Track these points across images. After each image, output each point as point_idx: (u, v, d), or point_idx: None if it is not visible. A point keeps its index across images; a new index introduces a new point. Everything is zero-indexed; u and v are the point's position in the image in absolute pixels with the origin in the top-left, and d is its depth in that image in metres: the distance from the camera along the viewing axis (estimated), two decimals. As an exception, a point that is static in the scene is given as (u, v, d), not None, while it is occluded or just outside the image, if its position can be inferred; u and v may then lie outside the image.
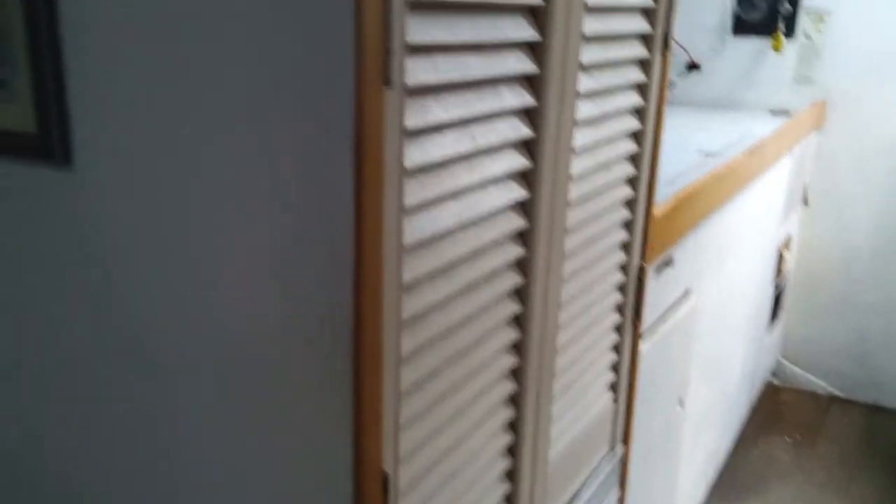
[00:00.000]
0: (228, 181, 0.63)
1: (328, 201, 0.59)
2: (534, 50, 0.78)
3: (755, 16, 2.57)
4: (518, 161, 0.80)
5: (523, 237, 0.84)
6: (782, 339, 2.80)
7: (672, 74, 2.77)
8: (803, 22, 2.53)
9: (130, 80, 0.64)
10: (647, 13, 1.03)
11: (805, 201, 2.63)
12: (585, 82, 0.90)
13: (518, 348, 0.87)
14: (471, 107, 0.70)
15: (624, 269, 1.13)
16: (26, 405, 0.81)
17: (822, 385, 2.80)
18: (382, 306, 0.63)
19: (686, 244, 1.46)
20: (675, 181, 1.56)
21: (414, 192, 0.64)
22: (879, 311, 2.64)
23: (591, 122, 0.94)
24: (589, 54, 0.89)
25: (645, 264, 1.17)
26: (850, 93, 2.52)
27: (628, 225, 1.12)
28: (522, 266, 0.85)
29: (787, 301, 2.72)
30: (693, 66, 2.69)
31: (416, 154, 0.64)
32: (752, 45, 2.61)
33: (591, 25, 0.88)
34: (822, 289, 2.71)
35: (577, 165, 0.92)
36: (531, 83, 0.79)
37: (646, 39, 1.04)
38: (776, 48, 2.55)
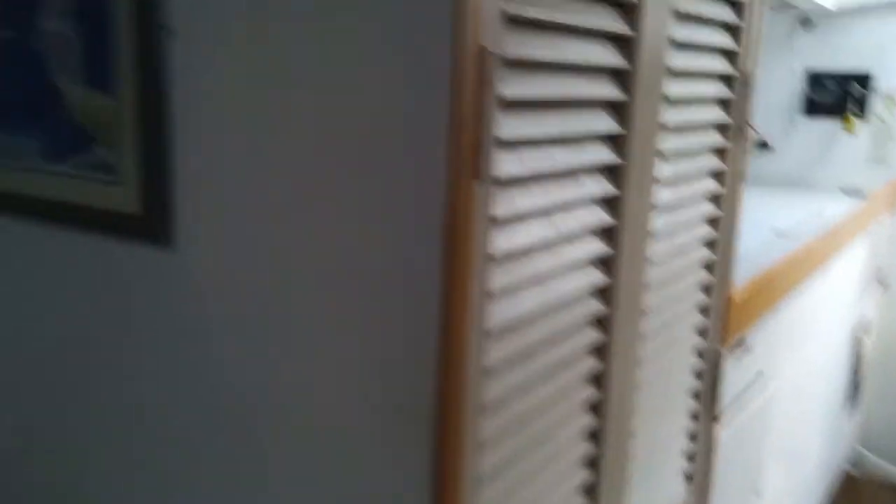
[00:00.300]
0: (323, 266, 0.65)
1: (417, 289, 0.61)
2: (615, 141, 0.80)
3: (826, 97, 2.56)
4: (597, 247, 0.81)
5: (601, 322, 0.84)
6: (861, 428, 2.68)
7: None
8: (876, 104, 2.51)
9: (235, 168, 0.68)
10: (725, 104, 1.04)
11: (883, 284, 2.56)
12: (664, 170, 0.91)
13: (594, 435, 0.86)
14: (553, 196, 0.72)
15: (700, 354, 1.12)
16: (125, 477, 0.83)
17: (903, 477, 2.66)
18: (465, 391, 0.63)
19: (762, 327, 1.43)
20: (748, 260, 1.54)
21: (498, 279, 0.66)
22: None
23: (669, 207, 0.95)
24: (667, 143, 0.90)
25: (722, 349, 1.16)
26: (926, 174, 2.47)
27: (705, 309, 1.11)
28: (600, 351, 0.85)
29: (866, 387, 2.62)
30: (764, 146, 2.67)
31: (502, 242, 0.66)
32: (824, 125, 2.59)
33: (671, 116, 0.89)
34: (902, 375, 2.61)
35: (655, 250, 0.92)
36: (612, 172, 0.81)
37: (723, 128, 1.05)
38: (848, 130, 2.53)
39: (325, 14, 0.61)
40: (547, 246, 0.73)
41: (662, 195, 0.92)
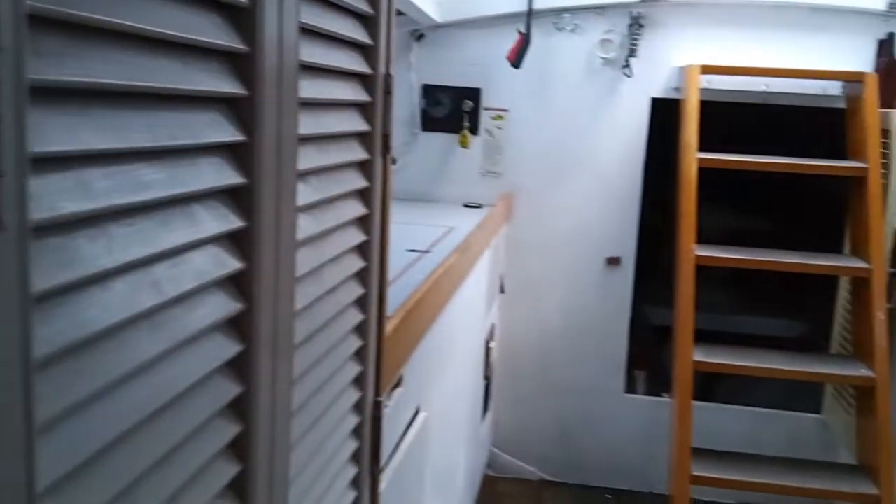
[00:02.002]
0: None
1: None
2: (237, 154, 0.57)
3: (441, 112, 2.61)
4: (223, 303, 0.57)
5: (239, 410, 0.60)
6: (493, 429, 2.78)
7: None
8: (485, 119, 2.62)
9: None
10: (364, 109, 0.87)
11: (502, 290, 2.68)
12: (304, 193, 0.70)
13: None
14: (151, 242, 0.47)
15: (358, 407, 0.94)
16: None
17: (532, 471, 2.82)
18: None
19: (414, 358, 1.31)
20: (393, 285, 1.41)
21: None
22: (575, 392, 2.74)
23: (313, 239, 0.74)
24: (307, 157, 0.70)
25: (381, 397, 0.99)
26: (530, 185, 2.64)
27: (360, 355, 0.93)
28: (239, 447, 0.61)
29: (494, 391, 2.72)
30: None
31: (55, 336, 0.39)
32: (442, 140, 2.64)
33: (308, 123, 0.69)
34: (525, 375, 2.76)
35: (301, 295, 0.71)
36: (235, 198, 0.58)
37: (364, 138, 0.88)
38: (463, 144, 2.60)
39: None
40: (146, 317, 0.48)
41: (304, 225, 0.71)
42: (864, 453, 2.17)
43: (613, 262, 2.65)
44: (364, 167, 0.88)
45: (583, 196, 2.62)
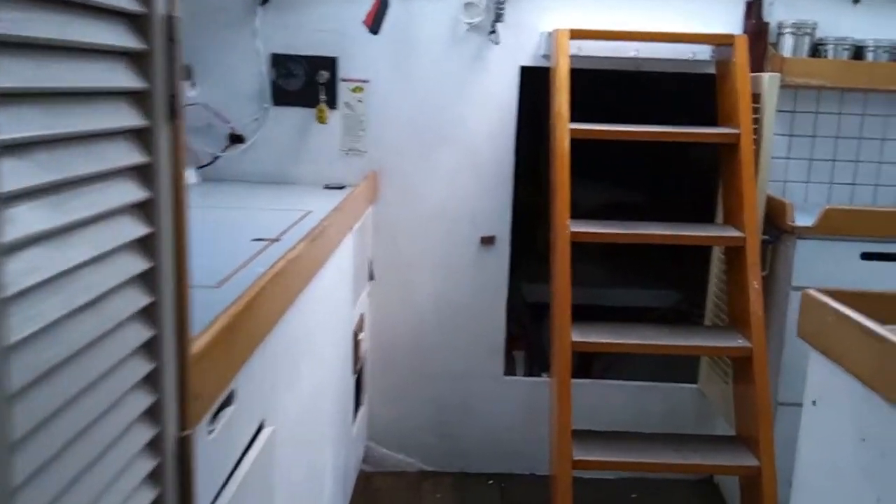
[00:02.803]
0: None
1: None
2: None
3: (294, 84, 2.38)
4: None
5: None
6: (368, 424, 2.61)
7: (212, 148, 2.44)
8: (343, 92, 2.40)
9: None
10: (137, 60, 0.66)
11: (371, 276, 2.49)
12: (20, 173, 0.49)
13: None
14: None
15: (155, 446, 0.73)
16: None
17: (411, 462, 2.67)
18: None
19: (251, 367, 1.11)
20: (229, 282, 1.20)
21: None
22: (452, 378, 2.60)
23: (44, 238, 0.53)
24: (17, 123, 0.49)
25: (189, 431, 0.79)
26: (396, 162, 2.45)
27: (152, 379, 0.72)
28: None
29: (367, 383, 2.54)
30: (236, 138, 2.39)
31: None
32: (297, 115, 2.41)
33: (19, 72, 0.48)
34: (399, 364, 2.59)
35: (17, 320, 0.50)
36: None
37: (139, 99, 0.67)
38: (320, 119, 2.38)
39: None
40: None
41: (25, 218, 0.50)
42: (742, 424, 2.14)
43: (488, 241, 2.51)
44: (141, 136, 0.67)
45: (453, 172, 2.46)
